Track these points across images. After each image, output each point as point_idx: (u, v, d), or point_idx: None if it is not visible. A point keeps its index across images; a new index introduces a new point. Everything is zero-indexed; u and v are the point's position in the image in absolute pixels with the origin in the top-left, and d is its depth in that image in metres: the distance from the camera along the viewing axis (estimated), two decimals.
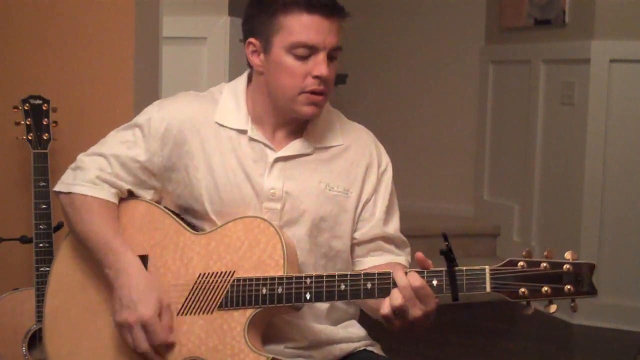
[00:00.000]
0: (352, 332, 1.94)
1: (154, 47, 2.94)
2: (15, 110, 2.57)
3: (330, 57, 1.80)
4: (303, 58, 1.78)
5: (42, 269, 2.49)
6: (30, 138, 2.55)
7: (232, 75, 3.68)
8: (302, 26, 1.77)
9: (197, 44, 3.75)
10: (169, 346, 1.78)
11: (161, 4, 2.96)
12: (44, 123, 2.58)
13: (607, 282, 4.13)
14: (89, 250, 1.87)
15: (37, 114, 2.58)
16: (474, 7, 5.26)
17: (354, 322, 1.97)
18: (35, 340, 2.51)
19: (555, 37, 4.48)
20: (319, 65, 1.78)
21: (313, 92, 1.80)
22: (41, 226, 2.50)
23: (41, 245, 2.50)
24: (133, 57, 2.74)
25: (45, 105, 2.59)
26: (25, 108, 2.57)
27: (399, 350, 3.56)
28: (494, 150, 5.11)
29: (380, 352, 1.96)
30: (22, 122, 2.56)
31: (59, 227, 2.55)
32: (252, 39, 1.85)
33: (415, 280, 1.65)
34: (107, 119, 2.69)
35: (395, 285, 1.67)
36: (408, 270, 1.69)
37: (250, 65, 1.89)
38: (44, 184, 2.50)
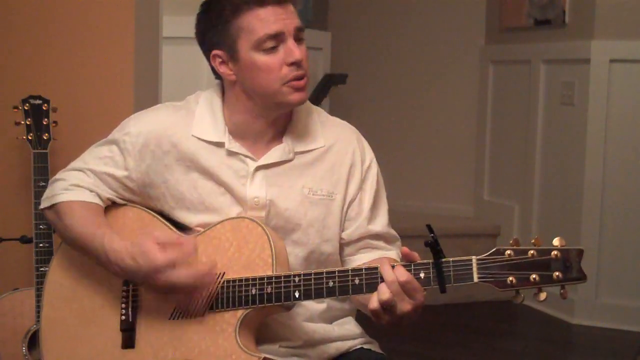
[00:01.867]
0: (348, 330, 1.93)
1: (154, 47, 2.94)
2: (15, 110, 2.57)
3: (298, 39, 1.79)
4: (272, 50, 1.77)
5: (42, 269, 2.49)
6: (30, 138, 2.55)
7: None
8: (259, 21, 1.76)
9: (197, 44, 3.74)
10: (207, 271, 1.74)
11: (161, 4, 2.96)
12: (44, 123, 2.58)
13: (607, 282, 4.14)
14: (83, 253, 1.87)
15: (37, 114, 2.58)
16: (474, 7, 5.26)
17: (350, 320, 1.96)
18: (35, 340, 2.50)
19: (555, 37, 4.48)
20: (291, 51, 1.77)
21: (294, 79, 1.79)
22: (41, 226, 2.50)
23: (41, 245, 2.50)
24: (133, 57, 2.74)
25: (45, 105, 2.59)
26: (25, 108, 2.57)
27: (398, 349, 3.56)
28: (494, 150, 5.11)
29: (378, 350, 1.95)
30: (22, 122, 2.56)
31: None
32: (215, 51, 1.84)
33: (402, 274, 1.64)
34: (107, 119, 2.69)
35: (382, 279, 1.66)
36: (395, 264, 1.68)
37: (219, 78, 1.89)
38: (44, 184, 2.50)
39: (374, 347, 1.96)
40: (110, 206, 1.91)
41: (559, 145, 4.44)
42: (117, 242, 1.78)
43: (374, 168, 1.94)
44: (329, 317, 1.92)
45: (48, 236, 2.51)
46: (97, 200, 1.88)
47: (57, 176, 1.93)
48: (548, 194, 4.55)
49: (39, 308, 2.49)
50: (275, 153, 1.86)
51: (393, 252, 1.94)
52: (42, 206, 1.93)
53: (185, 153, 1.85)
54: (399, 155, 5.31)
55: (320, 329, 1.89)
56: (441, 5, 5.38)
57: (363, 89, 5.45)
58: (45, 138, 2.56)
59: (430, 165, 5.43)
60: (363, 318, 1.95)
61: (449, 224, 5.04)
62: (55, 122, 2.60)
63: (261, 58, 1.78)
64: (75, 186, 1.88)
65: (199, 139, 1.85)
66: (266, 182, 1.84)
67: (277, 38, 1.77)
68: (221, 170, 1.84)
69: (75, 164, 1.93)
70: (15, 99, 2.58)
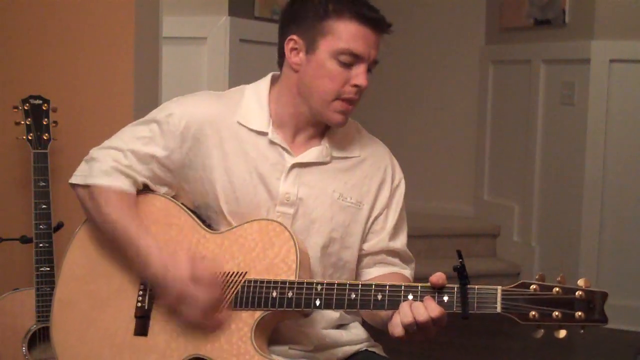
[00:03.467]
0: (355, 335, 1.94)
1: (154, 47, 2.94)
2: (15, 110, 2.57)
3: (369, 70, 1.82)
4: (346, 65, 1.79)
5: (42, 269, 2.49)
6: (30, 138, 2.55)
7: (232, 76, 3.69)
8: (351, 35, 1.78)
9: (197, 44, 3.75)
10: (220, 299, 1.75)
11: (161, 4, 2.96)
12: (44, 123, 2.57)
13: (607, 282, 4.13)
14: (111, 241, 1.86)
15: (37, 114, 2.57)
16: (474, 7, 5.26)
17: (357, 325, 1.97)
18: (35, 340, 2.51)
19: (555, 37, 4.48)
20: (360, 75, 1.80)
21: (347, 100, 1.81)
22: (41, 226, 2.50)
23: (41, 245, 2.50)
24: (133, 57, 2.74)
25: (45, 105, 2.59)
26: (25, 108, 2.57)
27: (400, 350, 3.56)
28: (494, 150, 5.11)
29: (382, 353, 1.96)
30: (22, 122, 2.56)
31: (59, 227, 2.55)
32: (294, 36, 1.84)
33: (434, 309, 1.64)
34: (107, 119, 2.70)
35: (405, 299, 1.67)
36: (419, 285, 1.68)
37: (280, 62, 1.89)
38: (44, 184, 2.50)
39: (379, 350, 1.97)
40: (139, 192, 1.90)
41: (559, 145, 4.44)
42: (152, 248, 1.79)
43: (402, 188, 1.98)
44: (339, 324, 1.94)
45: (48, 236, 2.51)
46: (132, 189, 1.87)
47: (94, 154, 1.91)
48: (548, 194, 4.55)
49: (39, 308, 2.49)
50: (313, 153, 1.87)
51: (407, 272, 1.95)
52: (74, 180, 1.90)
53: (227, 139, 1.86)
54: (398, 155, 5.27)
55: (330, 334, 1.90)
56: (441, 5, 5.38)
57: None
58: (45, 138, 2.56)
59: (430, 165, 5.44)
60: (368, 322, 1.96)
61: (449, 224, 5.04)
62: (55, 122, 2.59)
63: (333, 66, 1.80)
64: (114, 170, 1.86)
65: (243, 125, 1.86)
66: (299, 180, 1.86)
67: (356, 58, 1.79)
68: (259, 161, 1.85)
69: (113, 142, 1.91)
70: (15, 99, 2.58)
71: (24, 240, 2.62)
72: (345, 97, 1.81)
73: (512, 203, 4.87)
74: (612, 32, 4.13)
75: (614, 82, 4.14)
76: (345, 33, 1.78)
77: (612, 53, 4.12)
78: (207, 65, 3.75)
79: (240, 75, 3.61)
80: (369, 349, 1.95)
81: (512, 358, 3.86)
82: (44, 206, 2.50)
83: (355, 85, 1.80)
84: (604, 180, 4.17)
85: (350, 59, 1.79)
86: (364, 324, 1.98)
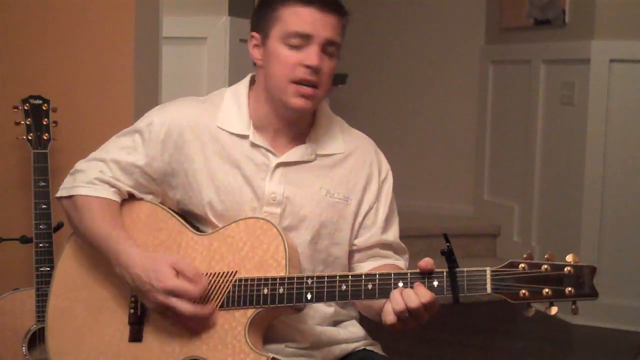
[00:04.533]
0: (352, 332, 1.94)
1: (154, 47, 2.94)
2: (15, 110, 2.57)
3: (327, 52, 1.81)
4: (296, 47, 1.79)
5: (42, 269, 2.49)
6: (30, 138, 2.55)
7: (232, 75, 3.69)
8: (296, 17, 1.79)
9: (197, 44, 3.75)
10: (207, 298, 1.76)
11: (161, 4, 2.96)
12: (44, 123, 2.58)
13: (607, 282, 4.13)
14: (94, 249, 1.88)
15: (37, 114, 2.58)
16: (474, 7, 5.26)
17: (354, 322, 1.98)
18: (35, 340, 2.51)
19: (555, 37, 4.48)
20: (311, 55, 1.79)
21: (302, 82, 1.80)
22: (41, 226, 2.50)
23: (41, 245, 2.50)
24: (133, 57, 2.74)
25: (45, 105, 2.59)
26: (25, 108, 2.57)
27: (399, 349, 3.56)
28: (494, 150, 5.11)
29: (380, 352, 1.96)
30: (22, 122, 2.56)
31: (59, 227, 2.55)
32: (253, 33, 1.88)
33: (424, 295, 1.65)
34: (107, 119, 2.70)
35: (396, 287, 1.67)
36: (409, 272, 1.69)
37: (254, 63, 1.90)
38: (44, 184, 2.50)
39: (377, 348, 1.97)
40: (126, 200, 1.92)
41: (559, 145, 4.44)
42: (133, 248, 1.80)
43: (390, 180, 1.98)
44: (335, 321, 1.94)
45: (48, 236, 2.51)
46: (116, 197, 1.89)
47: (78, 166, 1.93)
48: (548, 194, 4.55)
49: (39, 308, 2.49)
50: (297, 152, 1.88)
51: (401, 262, 1.96)
52: (59, 194, 1.93)
53: (208, 144, 1.86)
54: (398, 155, 5.29)
55: (327, 331, 1.90)
56: (441, 5, 5.39)
57: (363, 89, 5.45)
58: (45, 138, 2.56)
59: (430, 165, 5.44)
60: (366, 320, 1.97)
61: (449, 224, 5.04)
62: (55, 122, 2.60)
63: (283, 50, 1.80)
64: (97, 180, 1.88)
65: (223, 130, 1.87)
66: (285, 180, 1.86)
67: (304, 38, 1.79)
68: (243, 163, 1.86)
69: (97, 154, 1.93)
70: (15, 99, 2.58)
71: (24, 240, 2.62)
72: (298, 79, 1.79)
73: (512, 203, 4.87)
74: (612, 32, 4.13)
75: (614, 82, 4.14)
76: (291, 17, 1.80)
77: (612, 53, 4.12)
78: (207, 65, 3.75)
79: (240, 75, 3.57)
80: (367, 348, 1.95)
81: (512, 358, 3.86)
82: (44, 206, 2.51)
83: (307, 66, 1.79)
84: (604, 180, 4.17)
85: (298, 41, 1.79)
86: (362, 322, 1.98)
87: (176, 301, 1.74)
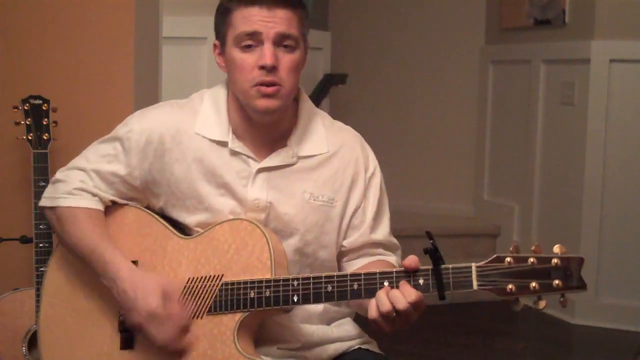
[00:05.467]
0: (346, 331, 1.93)
1: (154, 47, 2.94)
2: (15, 110, 2.57)
3: (284, 46, 1.78)
4: (248, 48, 1.77)
5: (42, 269, 2.48)
6: (30, 138, 2.55)
7: None
8: (243, 18, 1.77)
9: (197, 44, 3.75)
10: (185, 331, 1.76)
11: (161, 4, 2.96)
12: (44, 123, 2.57)
13: (607, 282, 4.13)
14: (79, 259, 1.87)
15: (37, 114, 2.57)
16: (474, 7, 5.26)
17: (349, 320, 1.96)
18: (35, 340, 2.50)
19: (555, 37, 4.48)
20: (264, 55, 1.75)
21: (262, 84, 1.77)
22: (41, 226, 2.50)
23: (41, 245, 2.50)
24: (133, 57, 2.74)
25: (45, 105, 2.59)
26: (25, 108, 2.57)
27: (397, 349, 3.56)
28: (494, 150, 5.11)
29: (377, 350, 1.95)
30: (22, 122, 2.56)
31: None
32: (215, 41, 1.86)
33: (410, 294, 1.63)
34: (107, 119, 2.68)
35: (382, 287, 1.66)
36: (394, 271, 1.67)
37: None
38: (44, 184, 2.50)
39: (372, 346, 1.96)
40: (110, 206, 1.90)
41: (559, 145, 4.44)
42: (121, 262, 1.80)
43: (378, 176, 1.93)
44: (327, 319, 1.92)
45: (48, 236, 2.51)
46: (99, 206, 1.88)
47: (59, 176, 1.92)
48: (548, 194, 4.55)
49: (38, 308, 2.48)
50: (278, 156, 1.85)
51: (392, 258, 1.93)
52: (42, 204, 1.92)
53: (188, 151, 1.84)
54: (398, 155, 5.31)
55: (318, 330, 1.89)
56: (441, 5, 5.38)
57: (363, 89, 5.45)
58: (45, 138, 2.56)
59: (430, 165, 5.44)
60: (361, 318, 1.95)
61: (449, 224, 5.04)
62: (55, 122, 2.59)
63: (237, 54, 1.78)
64: (79, 190, 1.87)
65: (202, 136, 1.84)
66: (267, 185, 1.83)
67: (254, 38, 1.76)
68: (223, 170, 1.83)
69: (77, 162, 1.91)
70: (15, 99, 2.58)
71: (24, 240, 2.62)
72: (257, 82, 1.76)
73: (512, 203, 4.87)
74: (612, 32, 4.13)
75: (614, 82, 4.14)
76: (238, 20, 1.77)
77: (612, 53, 4.12)
78: (207, 65, 3.75)
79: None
80: (363, 347, 1.93)
81: (512, 358, 3.86)
82: None
83: (262, 67, 1.76)
84: (604, 180, 4.17)
85: (248, 41, 1.76)
86: (357, 320, 1.97)
87: (157, 326, 1.74)
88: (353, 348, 1.93)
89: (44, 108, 2.58)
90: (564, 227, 4.35)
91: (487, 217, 5.12)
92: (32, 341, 2.51)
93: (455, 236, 4.93)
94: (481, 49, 5.21)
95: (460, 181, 5.37)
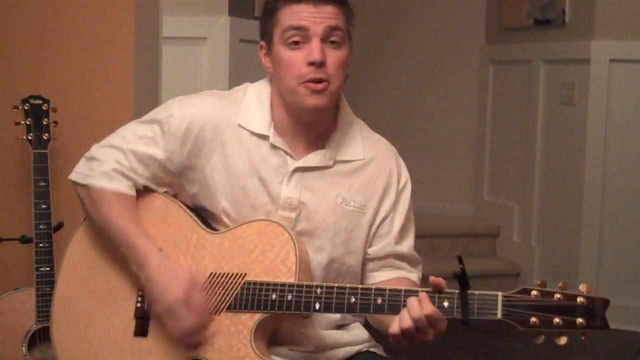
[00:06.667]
0: (356, 335, 1.93)
1: (154, 47, 2.94)
2: (15, 110, 2.57)
3: (331, 43, 1.78)
4: (296, 45, 1.77)
5: (42, 269, 2.49)
6: (30, 138, 2.55)
7: (232, 75, 3.69)
8: (290, 15, 1.77)
9: (197, 44, 3.75)
10: (205, 326, 1.76)
11: (161, 4, 2.96)
12: (44, 123, 2.57)
13: (607, 282, 4.13)
14: (107, 240, 1.86)
15: (37, 114, 2.57)
16: (474, 7, 5.26)
17: (358, 325, 1.96)
18: (35, 340, 2.51)
19: (555, 37, 4.48)
20: (311, 51, 1.75)
21: (311, 81, 1.77)
22: (41, 226, 2.50)
23: (41, 245, 2.50)
24: (133, 57, 2.74)
25: (45, 105, 2.59)
26: (25, 108, 2.57)
27: (401, 351, 3.56)
28: (494, 150, 5.11)
29: (383, 354, 1.96)
30: (22, 122, 2.56)
31: (59, 227, 2.55)
32: (261, 42, 1.86)
33: (427, 307, 1.63)
34: (107, 119, 2.69)
35: (405, 305, 1.65)
36: (420, 291, 1.67)
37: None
38: (44, 184, 2.50)
39: (379, 350, 1.96)
40: (139, 191, 1.88)
41: (559, 145, 4.44)
42: (152, 249, 1.80)
43: (408, 190, 1.95)
44: (341, 324, 1.93)
45: (48, 236, 2.51)
46: (132, 192, 1.86)
47: (95, 153, 1.89)
48: (548, 194, 4.55)
49: (39, 308, 2.49)
50: (316, 157, 1.85)
51: (414, 275, 1.93)
52: (73, 178, 1.89)
53: (228, 142, 1.83)
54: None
55: (331, 335, 1.89)
56: (441, 5, 5.38)
57: (363, 88, 5.45)
58: (45, 138, 2.56)
59: (430, 165, 5.43)
60: (368, 323, 1.96)
61: (449, 224, 5.04)
62: (55, 122, 2.59)
63: (284, 52, 1.78)
64: (115, 172, 1.85)
65: (244, 128, 1.84)
66: (301, 185, 1.83)
67: (301, 34, 1.76)
68: (261, 164, 1.83)
69: (114, 140, 1.89)
70: (15, 99, 2.58)
71: (24, 240, 2.62)
72: (306, 79, 1.76)
73: (512, 203, 4.87)
74: (612, 32, 4.13)
75: (614, 82, 4.14)
76: (285, 16, 1.78)
77: (612, 53, 4.12)
78: (207, 65, 3.75)
79: (240, 75, 3.61)
80: (370, 350, 1.94)
81: (513, 358, 3.86)
82: (44, 206, 2.50)
83: (311, 63, 1.76)
84: (604, 180, 4.17)
85: (296, 37, 1.76)
86: (366, 324, 1.97)
87: (172, 322, 1.75)
88: (361, 351, 1.93)
89: (44, 108, 2.58)
90: (564, 227, 4.35)
91: (487, 217, 5.12)
92: (32, 341, 2.51)
93: (455, 236, 4.93)
94: (481, 49, 5.21)
95: (460, 181, 5.37)
